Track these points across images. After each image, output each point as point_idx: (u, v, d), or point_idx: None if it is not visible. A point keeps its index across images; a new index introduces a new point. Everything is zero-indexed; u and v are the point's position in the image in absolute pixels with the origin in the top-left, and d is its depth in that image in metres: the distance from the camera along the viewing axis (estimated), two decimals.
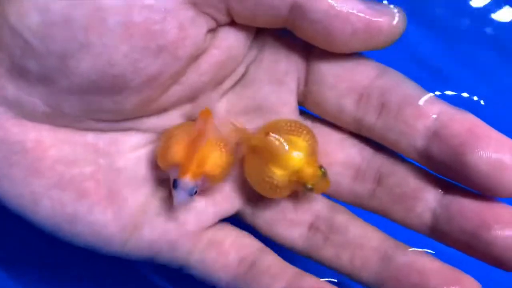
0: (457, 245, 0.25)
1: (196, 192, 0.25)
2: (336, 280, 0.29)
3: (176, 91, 0.25)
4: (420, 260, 0.25)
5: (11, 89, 0.24)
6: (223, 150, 0.26)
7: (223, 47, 0.25)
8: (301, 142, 0.26)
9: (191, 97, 0.26)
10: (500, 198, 0.24)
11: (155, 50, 0.23)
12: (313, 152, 0.26)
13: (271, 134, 0.25)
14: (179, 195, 0.25)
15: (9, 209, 0.25)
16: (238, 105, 0.27)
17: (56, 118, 0.25)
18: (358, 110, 0.26)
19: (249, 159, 0.26)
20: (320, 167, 0.25)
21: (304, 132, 0.26)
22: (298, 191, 0.26)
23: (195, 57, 0.25)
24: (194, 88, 0.26)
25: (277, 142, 0.25)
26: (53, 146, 0.25)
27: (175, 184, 0.25)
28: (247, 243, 0.28)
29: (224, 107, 0.27)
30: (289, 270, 0.27)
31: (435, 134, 0.24)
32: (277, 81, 0.27)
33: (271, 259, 0.27)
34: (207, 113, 0.26)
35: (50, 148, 0.25)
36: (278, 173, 0.25)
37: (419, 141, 0.25)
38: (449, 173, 0.24)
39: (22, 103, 0.24)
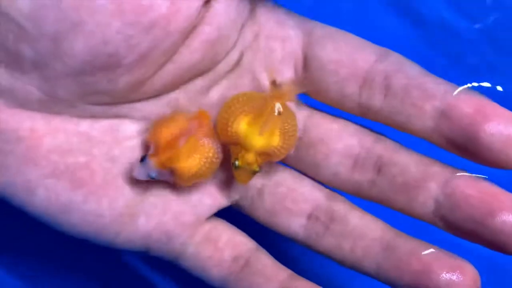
0: (461, 233, 0.25)
1: (154, 178, 0.25)
2: None
3: (168, 70, 0.25)
4: (420, 248, 0.25)
5: (5, 78, 0.24)
6: (204, 158, 0.26)
7: (214, 24, 0.25)
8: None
9: (184, 79, 0.26)
10: None
11: (147, 25, 0.23)
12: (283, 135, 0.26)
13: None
14: (139, 171, 0.25)
15: (3, 198, 0.25)
16: (232, 93, 0.27)
17: (50, 104, 0.25)
18: (362, 95, 0.26)
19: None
20: (260, 166, 0.25)
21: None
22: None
23: (187, 33, 0.24)
24: (186, 67, 0.25)
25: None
26: (47, 135, 0.25)
27: (142, 158, 0.25)
28: (242, 242, 0.28)
29: (217, 95, 0.27)
30: (283, 272, 0.27)
31: (444, 114, 0.24)
32: (272, 69, 0.27)
33: (265, 259, 0.27)
34: (204, 116, 0.26)
35: (44, 137, 0.25)
36: (242, 126, 0.25)
37: (429, 122, 0.25)
38: (461, 151, 0.25)
39: (16, 92, 0.24)
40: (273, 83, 0.26)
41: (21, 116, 0.25)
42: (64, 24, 0.22)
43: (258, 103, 0.26)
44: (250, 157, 0.25)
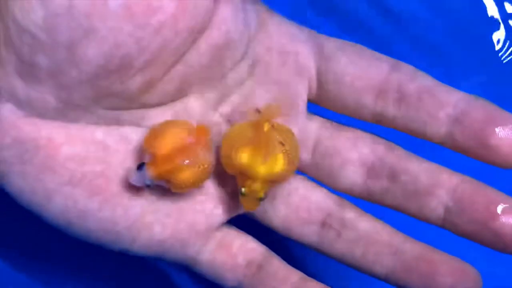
0: (467, 234, 0.26)
1: (149, 186, 0.26)
2: None
3: (178, 71, 0.26)
4: (428, 252, 0.27)
5: (21, 88, 0.24)
6: (200, 170, 0.26)
7: (222, 29, 0.26)
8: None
9: (193, 83, 0.27)
10: None
11: (156, 26, 0.24)
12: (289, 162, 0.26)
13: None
14: (136, 178, 0.25)
15: (21, 206, 0.26)
16: (243, 105, 0.28)
17: (66, 112, 0.25)
18: (377, 105, 0.27)
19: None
20: (265, 193, 0.26)
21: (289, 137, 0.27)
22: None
23: (195, 33, 0.25)
24: (195, 70, 0.26)
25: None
26: (64, 143, 0.26)
27: (140, 166, 0.25)
28: (254, 247, 0.28)
29: (228, 107, 0.28)
30: (294, 275, 0.28)
31: (457, 121, 0.26)
32: (285, 82, 0.28)
33: (277, 263, 0.28)
34: (203, 131, 0.26)
35: (62, 145, 0.25)
36: (244, 156, 0.26)
37: (443, 128, 0.26)
38: (473, 154, 0.26)
39: (33, 101, 0.24)
40: (257, 110, 0.27)
41: (39, 125, 0.25)
42: (77, 31, 0.23)
43: (253, 132, 0.26)
44: (256, 185, 0.26)
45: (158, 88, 0.26)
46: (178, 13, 0.24)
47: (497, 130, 0.25)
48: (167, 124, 0.26)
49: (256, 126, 0.26)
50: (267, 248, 0.29)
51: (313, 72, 0.28)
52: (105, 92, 0.25)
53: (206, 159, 0.26)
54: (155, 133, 0.26)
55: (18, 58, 0.23)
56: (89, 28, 0.23)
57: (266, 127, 0.26)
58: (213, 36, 0.26)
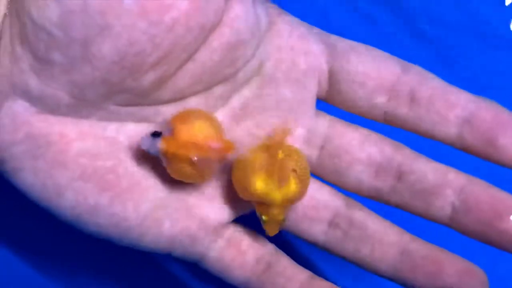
0: (474, 234, 0.26)
1: (152, 154, 0.26)
2: None
3: (189, 69, 0.26)
4: (435, 252, 0.27)
5: (35, 85, 0.24)
6: (199, 172, 0.26)
7: (234, 28, 0.26)
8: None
9: (204, 81, 0.27)
10: None
11: (169, 23, 0.24)
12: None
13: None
14: (147, 142, 0.26)
15: (33, 201, 0.26)
16: (253, 103, 0.28)
17: (79, 108, 0.25)
18: (388, 105, 0.27)
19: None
20: (285, 215, 0.27)
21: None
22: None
23: (207, 30, 0.25)
24: (206, 68, 0.26)
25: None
26: (76, 139, 0.26)
27: (156, 134, 0.26)
28: (263, 245, 0.29)
29: (239, 103, 0.28)
30: (302, 273, 0.28)
31: (466, 122, 0.26)
32: (296, 80, 0.28)
33: (285, 261, 0.29)
34: (229, 148, 0.26)
35: (73, 141, 0.26)
36: (259, 185, 0.26)
37: (452, 129, 0.27)
38: (483, 155, 0.26)
39: (46, 97, 0.25)
40: (268, 138, 0.27)
41: (51, 121, 0.25)
42: (92, 28, 0.23)
43: (266, 159, 0.27)
44: (275, 211, 0.27)
45: (170, 84, 0.26)
46: (191, 10, 0.24)
47: (505, 130, 0.26)
48: (201, 115, 0.27)
49: (269, 152, 0.27)
50: (275, 247, 0.29)
51: (325, 71, 0.28)
52: (117, 89, 0.25)
53: (211, 170, 0.26)
54: (187, 116, 0.26)
55: (33, 55, 0.24)
56: (104, 25, 0.23)
57: (280, 155, 0.26)
58: (224, 34, 0.26)
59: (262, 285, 0.28)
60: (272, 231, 0.27)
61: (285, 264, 0.28)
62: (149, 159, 0.27)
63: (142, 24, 0.23)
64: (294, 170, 0.26)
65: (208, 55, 0.26)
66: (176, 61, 0.25)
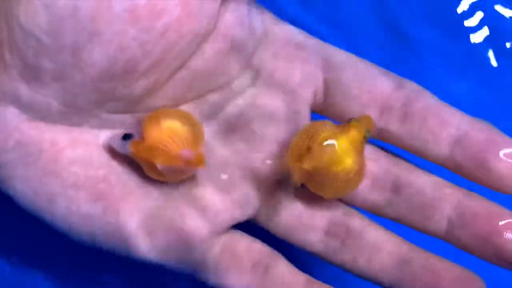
0: (470, 249, 0.26)
1: (117, 145, 0.26)
2: None
3: (182, 76, 0.26)
4: (433, 261, 0.26)
5: (25, 92, 0.24)
6: (163, 175, 0.26)
7: (228, 36, 0.26)
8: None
9: (197, 89, 0.26)
10: None
11: (161, 29, 0.24)
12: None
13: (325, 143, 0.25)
14: (117, 144, 0.26)
15: (24, 209, 0.26)
16: (249, 112, 0.28)
17: (70, 115, 0.25)
18: (381, 120, 0.27)
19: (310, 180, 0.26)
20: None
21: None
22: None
23: (200, 37, 0.25)
24: (199, 75, 0.26)
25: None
26: (68, 147, 0.26)
27: (126, 136, 0.26)
28: (259, 249, 0.28)
29: (236, 110, 0.28)
30: (301, 277, 0.28)
31: (458, 142, 0.26)
32: (291, 91, 0.28)
33: (283, 265, 0.28)
34: (199, 161, 0.26)
35: (65, 149, 0.26)
36: (347, 162, 0.25)
37: (444, 148, 0.26)
38: (473, 177, 0.26)
39: (37, 105, 0.24)
40: (349, 119, 0.26)
41: (42, 129, 0.25)
42: (82, 35, 0.23)
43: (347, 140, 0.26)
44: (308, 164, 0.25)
45: (163, 92, 0.26)
46: (183, 17, 0.24)
47: (497, 152, 0.25)
48: (176, 116, 0.26)
49: (352, 133, 0.26)
50: (271, 249, 0.28)
51: (320, 81, 0.28)
52: (109, 96, 0.25)
53: (177, 177, 0.26)
54: (160, 117, 0.26)
55: (23, 62, 0.23)
56: (94, 31, 0.23)
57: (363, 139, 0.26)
58: (218, 41, 0.26)
59: None
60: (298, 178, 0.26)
61: (283, 268, 0.27)
62: (141, 167, 0.27)
63: (132, 30, 0.23)
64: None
65: (201, 63, 0.26)
66: (168, 68, 0.25)
